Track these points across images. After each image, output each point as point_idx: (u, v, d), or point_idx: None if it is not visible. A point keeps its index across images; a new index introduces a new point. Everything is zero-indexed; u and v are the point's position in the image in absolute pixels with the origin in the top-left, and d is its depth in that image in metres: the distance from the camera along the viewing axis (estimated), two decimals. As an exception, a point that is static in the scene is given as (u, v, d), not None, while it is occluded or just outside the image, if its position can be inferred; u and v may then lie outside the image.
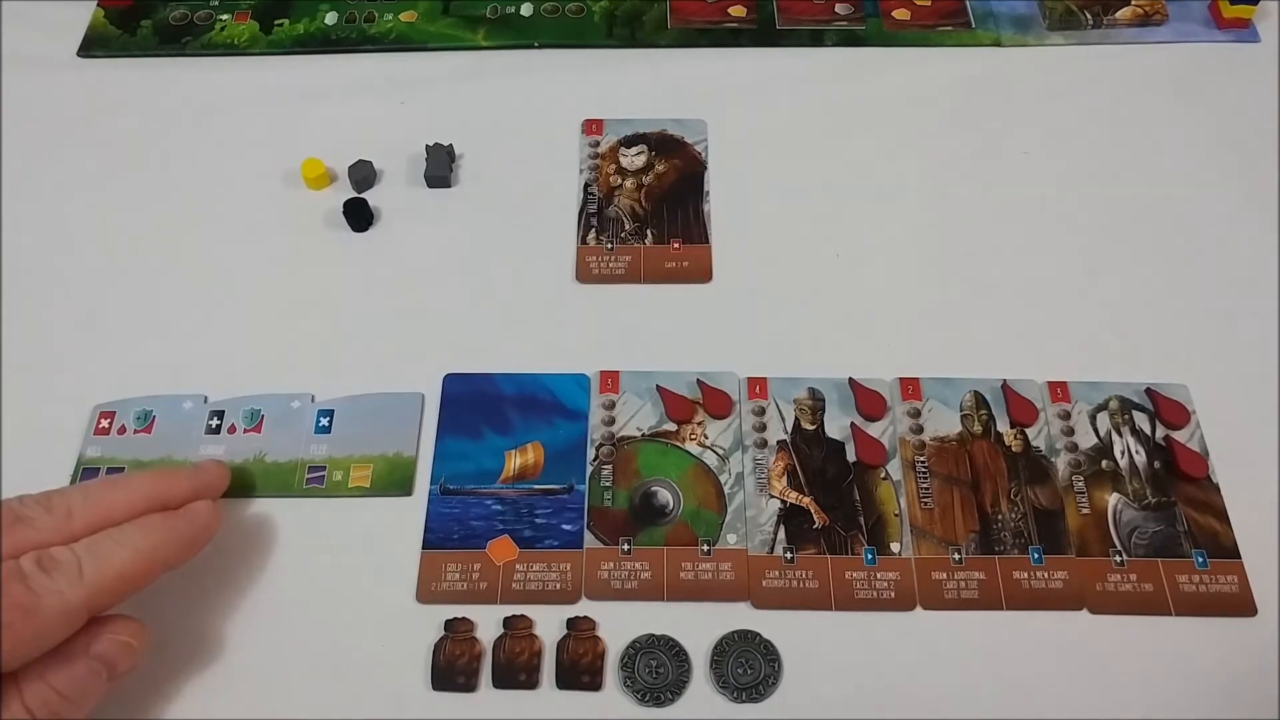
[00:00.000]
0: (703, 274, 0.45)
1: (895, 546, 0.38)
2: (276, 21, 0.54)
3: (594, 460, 0.40)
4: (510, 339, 0.43)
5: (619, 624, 0.37)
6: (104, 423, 0.41)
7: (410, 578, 0.38)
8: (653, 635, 0.36)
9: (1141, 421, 0.41)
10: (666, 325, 0.44)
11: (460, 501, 0.39)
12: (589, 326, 0.44)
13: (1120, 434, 0.41)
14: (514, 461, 0.40)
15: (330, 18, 0.54)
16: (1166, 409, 0.41)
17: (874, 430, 0.41)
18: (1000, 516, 0.39)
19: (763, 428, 0.41)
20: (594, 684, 0.35)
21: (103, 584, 0.31)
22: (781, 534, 0.39)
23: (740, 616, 0.37)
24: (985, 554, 0.38)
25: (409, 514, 0.39)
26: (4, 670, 0.29)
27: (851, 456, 0.40)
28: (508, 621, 0.36)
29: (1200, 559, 0.38)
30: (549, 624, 0.37)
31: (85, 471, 0.40)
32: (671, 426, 0.41)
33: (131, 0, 0.55)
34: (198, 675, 0.36)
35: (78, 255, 0.46)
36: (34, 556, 0.30)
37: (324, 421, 0.41)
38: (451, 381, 0.42)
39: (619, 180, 0.49)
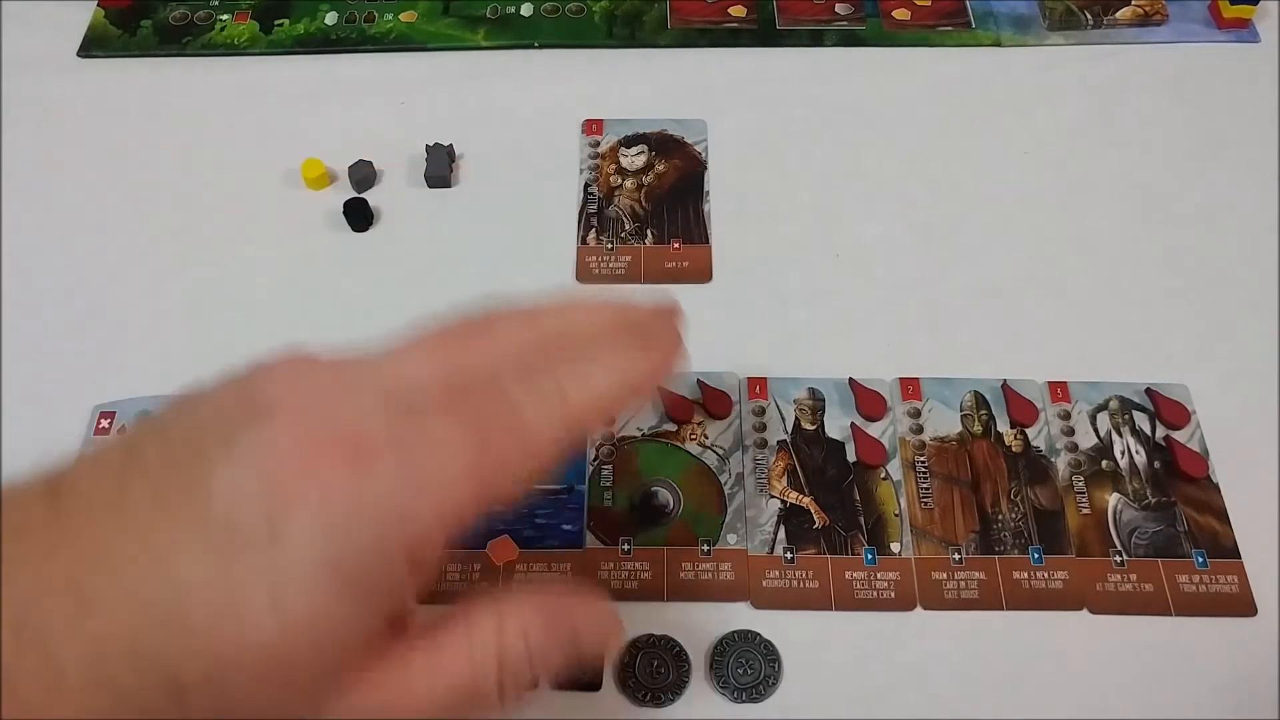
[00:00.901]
0: (703, 274, 0.45)
1: (895, 546, 0.38)
2: (276, 21, 0.54)
3: (594, 460, 0.40)
4: (510, 339, 0.43)
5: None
6: (104, 423, 0.41)
7: (410, 578, 0.38)
8: (653, 635, 0.36)
9: (1141, 421, 0.41)
10: (666, 325, 0.44)
11: (460, 501, 0.39)
12: (589, 326, 0.44)
13: (1120, 434, 0.41)
14: (514, 461, 0.40)
15: (330, 18, 0.54)
16: (1166, 409, 0.41)
17: (874, 430, 0.41)
18: (1000, 516, 0.39)
19: (763, 428, 0.41)
20: (594, 684, 0.35)
21: (585, 409, 0.26)
22: (781, 534, 0.39)
23: (740, 616, 0.37)
24: (985, 554, 0.38)
25: (409, 514, 0.39)
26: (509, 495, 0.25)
27: (851, 456, 0.40)
28: (508, 621, 0.36)
29: (1200, 559, 0.38)
30: (549, 624, 0.37)
31: (85, 471, 0.40)
32: (671, 426, 0.41)
33: (131, 0, 0.55)
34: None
35: (78, 255, 0.46)
36: (515, 367, 0.26)
37: (324, 421, 0.41)
38: (451, 381, 0.42)
39: (619, 180, 0.49)
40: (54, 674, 0.20)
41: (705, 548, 0.38)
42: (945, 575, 0.38)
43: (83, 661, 0.20)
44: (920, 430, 0.41)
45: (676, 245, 0.46)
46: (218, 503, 0.22)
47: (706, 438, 0.41)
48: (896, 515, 0.39)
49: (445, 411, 0.24)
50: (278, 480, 0.22)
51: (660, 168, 0.49)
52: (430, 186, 0.48)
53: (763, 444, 0.41)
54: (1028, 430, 0.41)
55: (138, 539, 0.21)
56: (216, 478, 0.22)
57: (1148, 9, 0.54)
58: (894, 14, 0.55)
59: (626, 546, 0.38)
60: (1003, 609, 0.37)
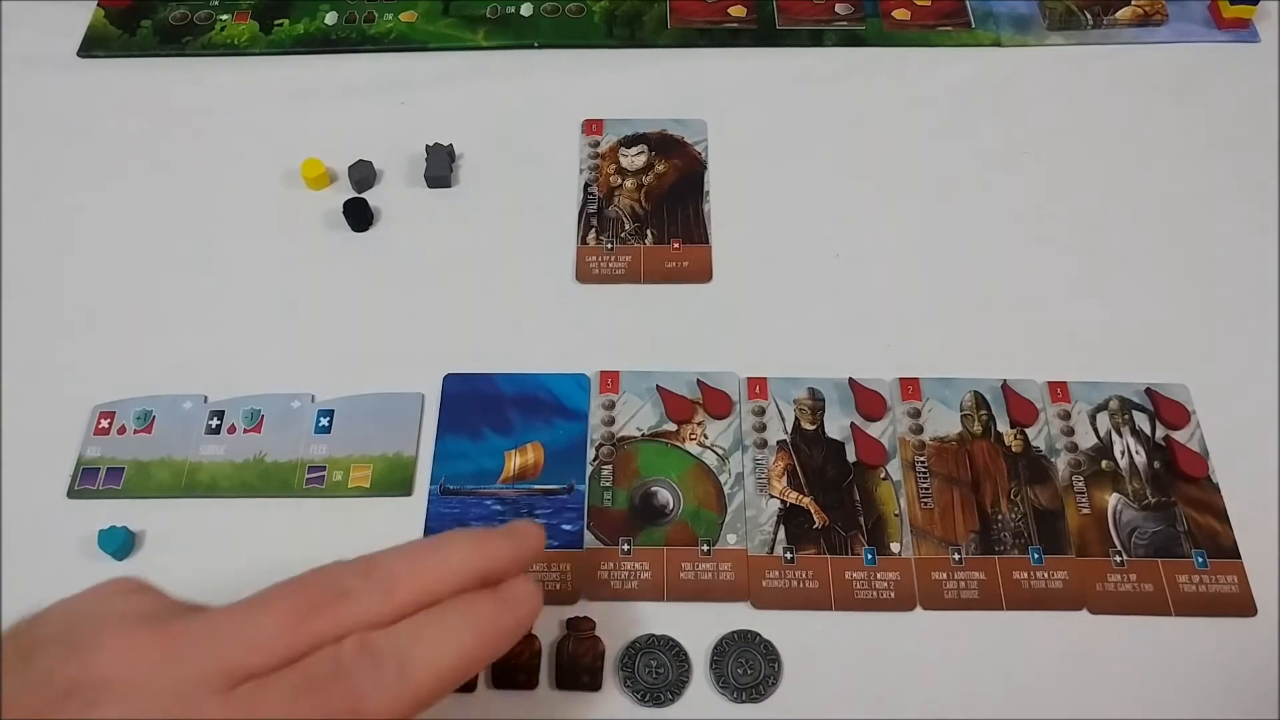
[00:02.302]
0: (703, 274, 0.45)
1: (895, 546, 0.38)
2: (276, 21, 0.54)
3: (594, 460, 0.40)
4: (510, 339, 0.43)
5: (619, 624, 0.37)
6: (104, 423, 0.41)
7: (410, 578, 0.38)
8: (653, 635, 0.36)
9: (1141, 421, 0.41)
10: (666, 325, 0.44)
11: (460, 502, 0.39)
12: (589, 326, 0.44)
13: (1120, 434, 0.41)
14: (514, 462, 0.40)
15: (330, 18, 0.54)
16: (1166, 409, 0.41)
17: (874, 430, 0.41)
18: (1000, 516, 0.39)
19: (763, 428, 0.41)
20: (593, 684, 0.35)
21: (425, 688, 0.26)
22: (781, 534, 0.39)
23: (740, 616, 0.37)
24: (985, 554, 0.38)
25: (409, 514, 0.39)
26: None
27: (851, 456, 0.40)
28: (508, 621, 0.36)
29: (1200, 559, 0.38)
30: (549, 624, 0.37)
31: (85, 472, 0.40)
32: (671, 426, 0.41)
33: (131, 0, 0.55)
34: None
35: (78, 255, 0.46)
36: (358, 643, 0.26)
37: (324, 421, 0.41)
38: (451, 381, 0.42)
39: (619, 180, 0.49)
40: None
41: (705, 548, 0.38)
42: (945, 575, 0.38)
43: None
44: (920, 430, 0.41)
45: (676, 245, 0.46)
46: None
47: (706, 438, 0.41)
48: (896, 515, 0.39)
49: (279, 689, 0.25)
50: None
51: (660, 168, 0.49)
52: (430, 186, 0.48)
53: (763, 444, 0.41)
54: (1028, 430, 0.41)
55: None
56: None
57: (1148, 9, 0.54)
58: (894, 14, 0.55)
59: (626, 546, 0.38)
60: (1003, 609, 0.37)
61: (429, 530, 0.39)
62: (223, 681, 0.25)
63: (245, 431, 0.41)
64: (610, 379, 0.42)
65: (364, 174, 0.48)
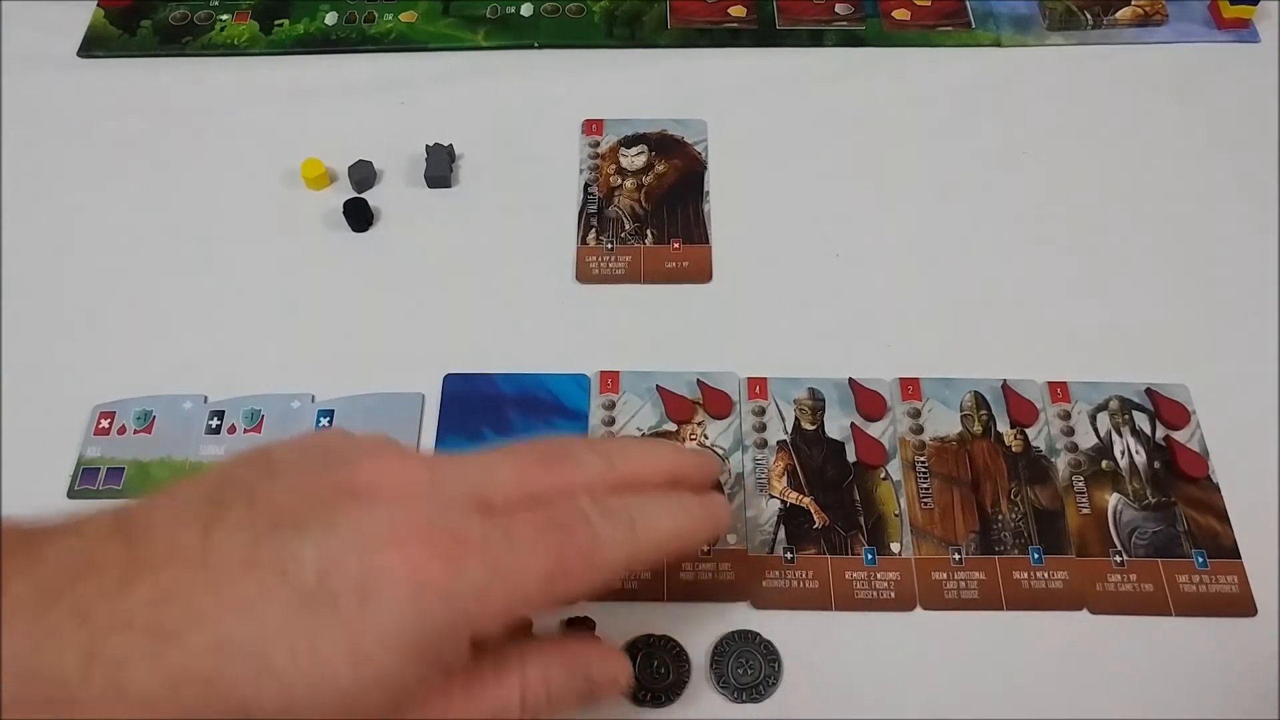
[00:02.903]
0: (703, 274, 0.45)
1: (895, 546, 0.38)
2: (276, 21, 0.54)
3: (594, 460, 0.40)
4: (510, 339, 0.43)
5: (619, 624, 0.37)
6: (104, 423, 0.41)
7: (410, 578, 0.38)
8: (653, 635, 0.36)
9: (1141, 421, 0.41)
10: (666, 325, 0.44)
11: (460, 501, 0.39)
12: (589, 326, 0.44)
13: (1120, 434, 0.41)
14: (514, 461, 0.40)
15: (330, 18, 0.54)
16: (1166, 409, 0.41)
17: (874, 430, 0.41)
18: (1000, 516, 0.39)
19: (763, 428, 0.41)
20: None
21: (648, 545, 0.29)
22: (781, 534, 0.39)
23: (740, 616, 0.37)
24: (985, 554, 0.38)
25: (409, 514, 0.39)
26: (555, 604, 0.28)
27: (851, 457, 0.40)
28: (508, 621, 0.36)
29: (1200, 559, 0.38)
30: (549, 624, 0.36)
31: (85, 472, 0.40)
32: (671, 427, 0.41)
33: (131, 0, 0.55)
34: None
35: (78, 255, 0.46)
36: (593, 497, 0.29)
37: (324, 421, 0.41)
38: (451, 381, 0.42)
39: (619, 180, 0.49)
40: (122, 701, 0.22)
41: (705, 548, 0.38)
42: (945, 575, 0.38)
43: (156, 691, 0.22)
44: (920, 430, 0.41)
45: (676, 245, 0.46)
46: (310, 567, 0.24)
47: (706, 438, 0.41)
48: (896, 515, 0.39)
49: (528, 520, 0.27)
50: (375, 558, 0.25)
51: (660, 168, 0.49)
52: (430, 186, 0.48)
53: (763, 444, 0.41)
54: (1028, 430, 0.41)
55: (222, 589, 0.24)
56: (311, 546, 0.25)
57: (1148, 9, 0.54)
58: (894, 14, 0.55)
59: (626, 546, 0.38)
60: (1003, 609, 0.37)
61: (429, 530, 0.39)
62: (479, 505, 0.27)
63: (245, 431, 0.41)
64: (610, 379, 0.42)
65: (364, 174, 0.48)
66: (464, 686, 0.27)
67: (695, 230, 0.47)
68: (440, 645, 0.26)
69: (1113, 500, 0.39)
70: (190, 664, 0.23)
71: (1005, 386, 0.42)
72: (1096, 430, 0.41)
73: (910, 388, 0.42)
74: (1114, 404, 0.42)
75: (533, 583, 0.27)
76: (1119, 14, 0.54)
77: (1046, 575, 0.38)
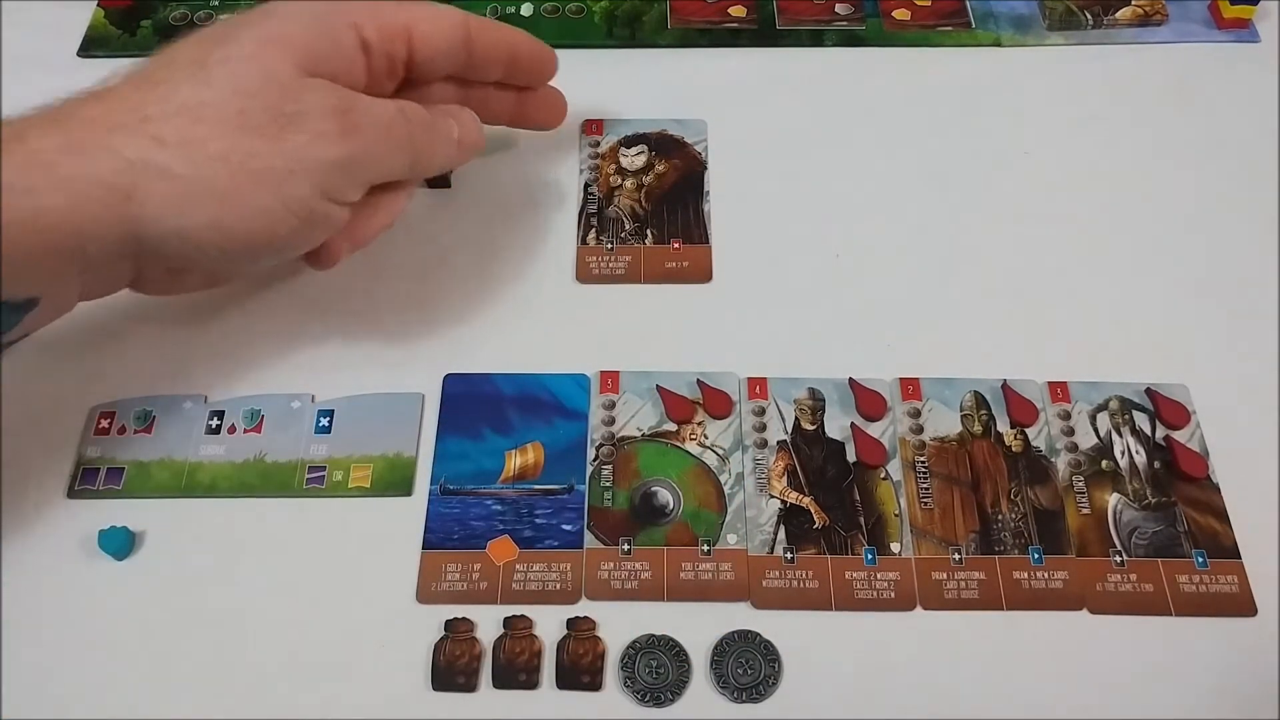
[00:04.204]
0: (703, 274, 0.45)
1: (895, 546, 0.38)
2: (276, 21, 0.54)
3: (594, 460, 0.40)
4: (510, 339, 0.43)
5: (619, 624, 0.37)
6: (104, 423, 0.41)
7: (410, 578, 0.38)
8: (653, 635, 0.36)
9: (1141, 421, 0.41)
10: (666, 325, 0.44)
11: (460, 502, 0.39)
12: (589, 326, 0.44)
13: (1120, 434, 0.41)
14: (514, 461, 0.40)
15: (330, 18, 0.54)
16: (1166, 409, 0.41)
17: (874, 430, 0.41)
18: (1000, 516, 0.39)
19: (763, 428, 0.41)
20: (594, 684, 0.35)
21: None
22: (781, 534, 0.39)
23: (740, 616, 0.37)
24: (985, 554, 0.38)
25: (409, 514, 0.39)
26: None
27: (851, 456, 0.40)
28: (508, 622, 0.36)
29: (1200, 559, 0.38)
30: (549, 624, 0.37)
31: (85, 472, 0.40)
32: (671, 426, 0.41)
33: (131, 0, 0.55)
34: (198, 675, 0.36)
35: (78, 255, 0.46)
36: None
37: (324, 421, 0.41)
38: (451, 381, 0.42)
39: (619, 180, 0.49)
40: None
41: (705, 548, 0.38)
42: (945, 575, 0.38)
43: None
44: (920, 430, 0.41)
45: (676, 245, 0.46)
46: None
47: (706, 438, 0.41)
48: (896, 515, 0.39)
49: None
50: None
51: (660, 168, 0.49)
52: (430, 186, 0.48)
53: (763, 444, 0.41)
54: (1028, 430, 0.41)
55: (174, 84, 0.35)
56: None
57: (1148, 9, 0.54)
58: (894, 14, 0.55)
59: (626, 547, 0.38)
60: (1003, 609, 0.37)
61: (429, 531, 0.39)
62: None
63: (245, 431, 0.41)
64: (610, 379, 0.42)
65: (364, 174, 0.47)
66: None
67: (695, 230, 0.47)
68: (323, 48, 0.35)
69: (1113, 500, 0.39)
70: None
71: (1005, 386, 0.42)
72: (1096, 430, 0.41)
73: (910, 388, 0.42)
74: (1114, 404, 0.42)
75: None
76: (1119, 14, 0.54)
77: (1046, 575, 0.38)
